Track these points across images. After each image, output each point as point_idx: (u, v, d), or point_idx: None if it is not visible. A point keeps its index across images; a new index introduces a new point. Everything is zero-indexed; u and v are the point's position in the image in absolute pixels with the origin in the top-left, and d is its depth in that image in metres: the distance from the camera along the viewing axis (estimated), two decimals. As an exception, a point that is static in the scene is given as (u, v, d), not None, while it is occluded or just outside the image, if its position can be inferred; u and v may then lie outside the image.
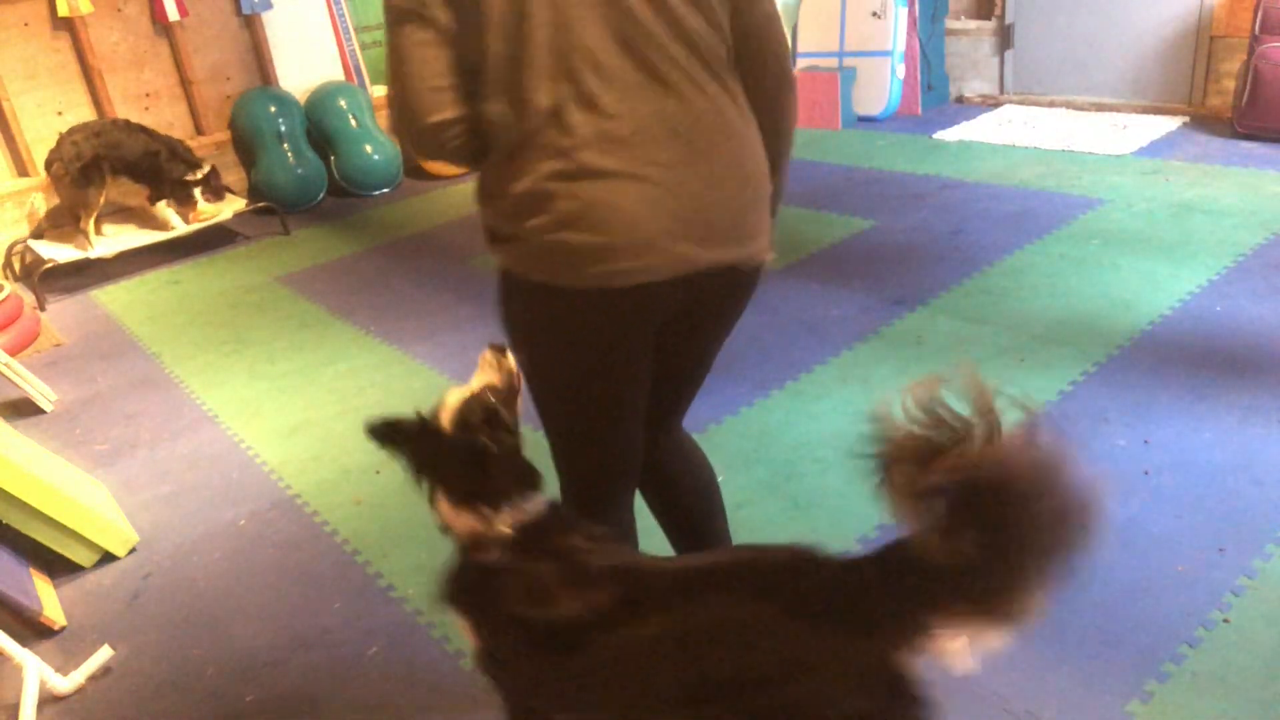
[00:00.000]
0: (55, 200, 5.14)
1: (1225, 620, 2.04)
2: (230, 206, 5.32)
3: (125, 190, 5.03)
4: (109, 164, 4.84)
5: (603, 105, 1.38)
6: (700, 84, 1.44)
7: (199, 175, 5.04)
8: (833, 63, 6.49)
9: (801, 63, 6.62)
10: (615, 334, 1.52)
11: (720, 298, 1.61)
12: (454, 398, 1.53)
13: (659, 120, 1.41)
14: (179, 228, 5.11)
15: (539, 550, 1.42)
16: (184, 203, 5.07)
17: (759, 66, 1.51)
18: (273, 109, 5.81)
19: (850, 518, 2.48)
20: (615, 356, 1.56)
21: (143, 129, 5.04)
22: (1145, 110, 5.80)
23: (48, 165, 4.90)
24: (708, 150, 1.45)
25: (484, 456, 1.46)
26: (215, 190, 5.18)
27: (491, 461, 1.46)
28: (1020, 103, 6.31)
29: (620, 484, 1.78)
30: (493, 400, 1.53)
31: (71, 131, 4.87)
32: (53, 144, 4.87)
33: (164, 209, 5.08)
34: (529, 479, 1.49)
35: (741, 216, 1.51)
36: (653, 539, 1.93)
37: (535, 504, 1.48)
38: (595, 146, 1.39)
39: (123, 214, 5.28)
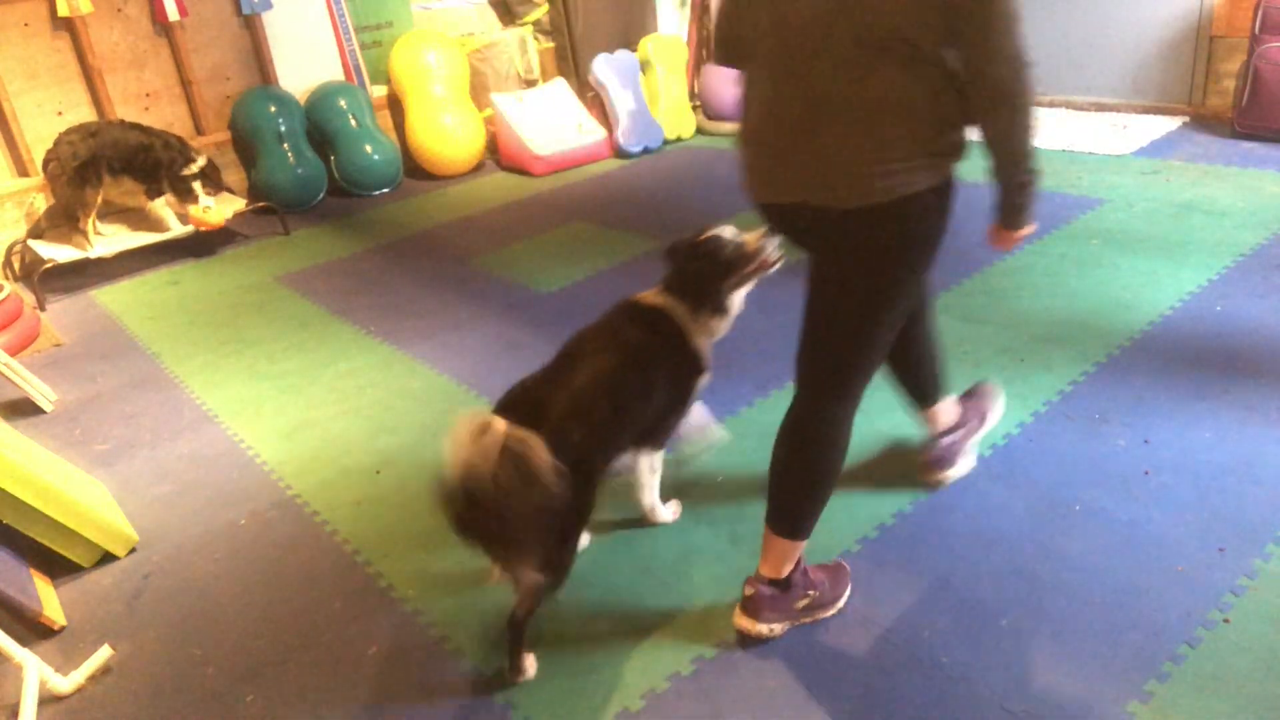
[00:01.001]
0: (54, 200, 5.14)
1: (1225, 620, 2.04)
2: (230, 207, 5.32)
3: (126, 190, 5.03)
4: (106, 163, 4.84)
5: (754, 76, 1.93)
6: (825, 73, 1.77)
7: (196, 168, 5.03)
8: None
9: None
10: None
11: (818, 228, 1.94)
12: (720, 227, 2.30)
13: (776, 94, 1.88)
14: (175, 229, 5.11)
15: (637, 314, 2.32)
16: (183, 196, 5.06)
17: (976, 92, 1.74)
18: (273, 109, 5.81)
19: (850, 517, 2.47)
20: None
21: (137, 126, 5.03)
22: (1145, 110, 5.80)
23: (45, 165, 4.90)
24: (806, 123, 1.82)
25: (675, 262, 2.34)
26: (214, 184, 5.17)
27: (675, 269, 2.33)
28: (1020, 103, 6.30)
29: None
30: (731, 241, 2.27)
31: (68, 132, 4.87)
32: (52, 144, 4.87)
33: (161, 207, 5.08)
34: (681, 291, 2.30)
35: (818, 171, 1.84)
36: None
37: (664, 300, 2.32)
38: (748, 102, 1.98)
39: (120, 214, 5.28)
